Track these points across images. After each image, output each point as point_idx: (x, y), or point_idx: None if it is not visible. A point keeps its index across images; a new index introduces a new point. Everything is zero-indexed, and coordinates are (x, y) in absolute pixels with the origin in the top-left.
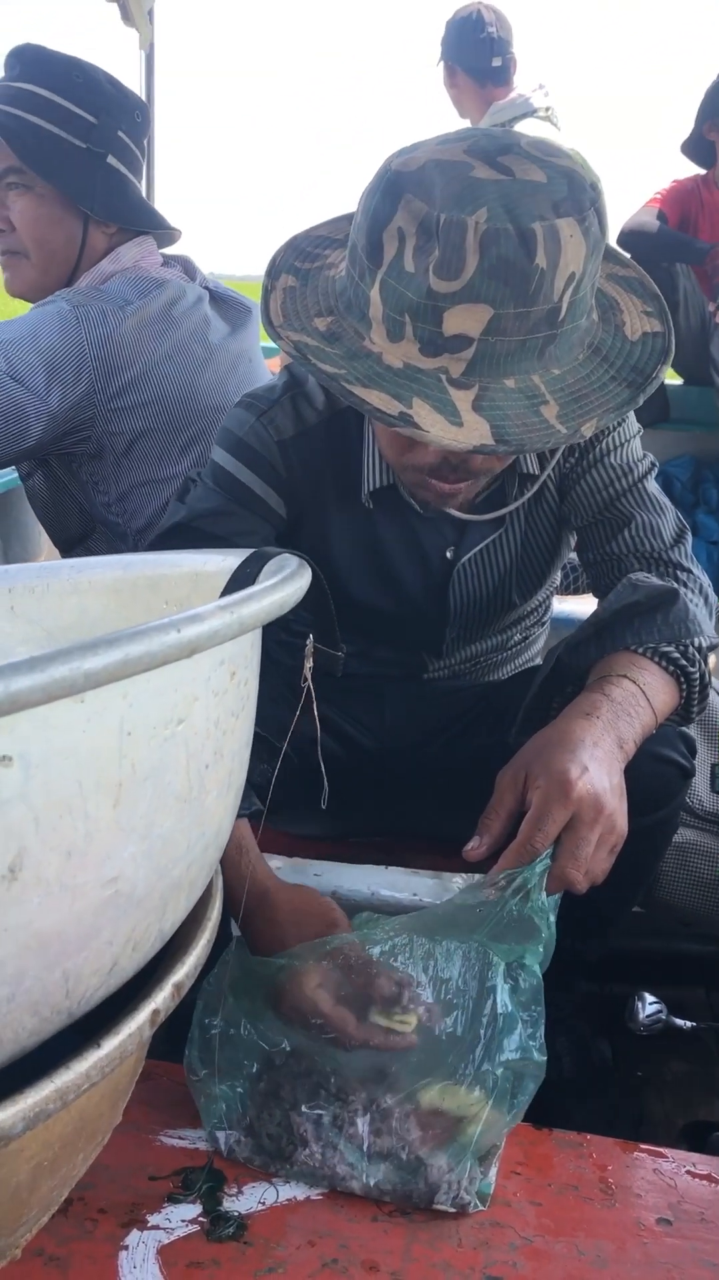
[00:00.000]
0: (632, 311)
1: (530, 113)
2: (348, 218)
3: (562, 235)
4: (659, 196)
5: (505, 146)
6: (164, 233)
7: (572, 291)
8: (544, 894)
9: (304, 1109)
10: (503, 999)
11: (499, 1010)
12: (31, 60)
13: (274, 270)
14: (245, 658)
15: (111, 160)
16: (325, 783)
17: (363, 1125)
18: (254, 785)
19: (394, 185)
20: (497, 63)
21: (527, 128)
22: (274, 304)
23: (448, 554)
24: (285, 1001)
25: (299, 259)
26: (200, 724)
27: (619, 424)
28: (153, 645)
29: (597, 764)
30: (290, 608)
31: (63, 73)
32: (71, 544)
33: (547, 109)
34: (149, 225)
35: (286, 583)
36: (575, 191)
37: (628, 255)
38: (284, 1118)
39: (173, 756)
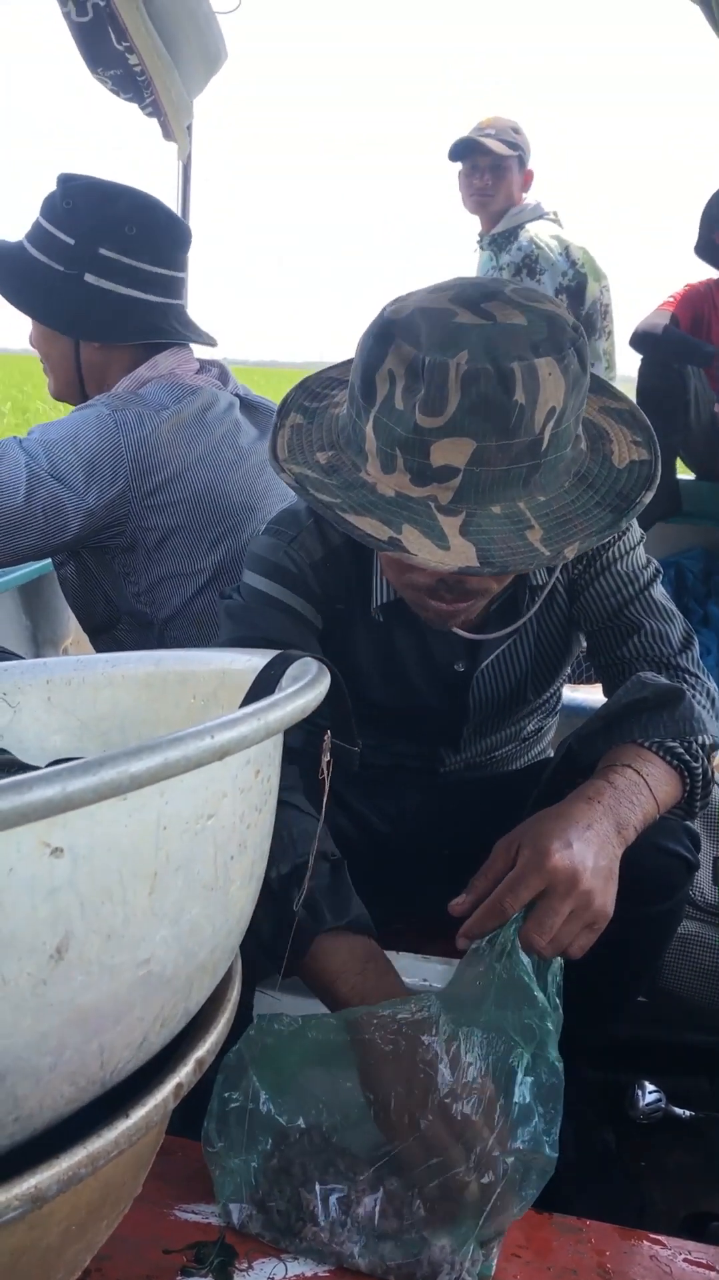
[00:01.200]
0: (621, 441)
1: (541, 215)
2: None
3: (540, 373)
4: (673, 299)
5: (490, 294)
6: (198, 338)
7: (553, 424)
8: (524, 955)
9: (314, 1186)
10: (522, 1091)
11: (517, 1100)
12: (53, 191)
13: (284, 409)
14: (268, 756)
15: (90, 278)
16: (312, 862)
17: (370, 1204)
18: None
19: (385, 331)
20: None
21: (537, 226)
22: (281, 440)
23: (457, 667)
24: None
25: (307, 398)
26: (227, 819)
27: (623, 533)
28: (189, 750)
29: (584, 843)
30: (311, 711)
31: (58, 200)
32: (99, 631)
33: (554, 211)
34: (140, 338)
35: (308, 689)
36: (555, 333)
37: (620, 390)
38: (294, 1194)
39: (202, 849)
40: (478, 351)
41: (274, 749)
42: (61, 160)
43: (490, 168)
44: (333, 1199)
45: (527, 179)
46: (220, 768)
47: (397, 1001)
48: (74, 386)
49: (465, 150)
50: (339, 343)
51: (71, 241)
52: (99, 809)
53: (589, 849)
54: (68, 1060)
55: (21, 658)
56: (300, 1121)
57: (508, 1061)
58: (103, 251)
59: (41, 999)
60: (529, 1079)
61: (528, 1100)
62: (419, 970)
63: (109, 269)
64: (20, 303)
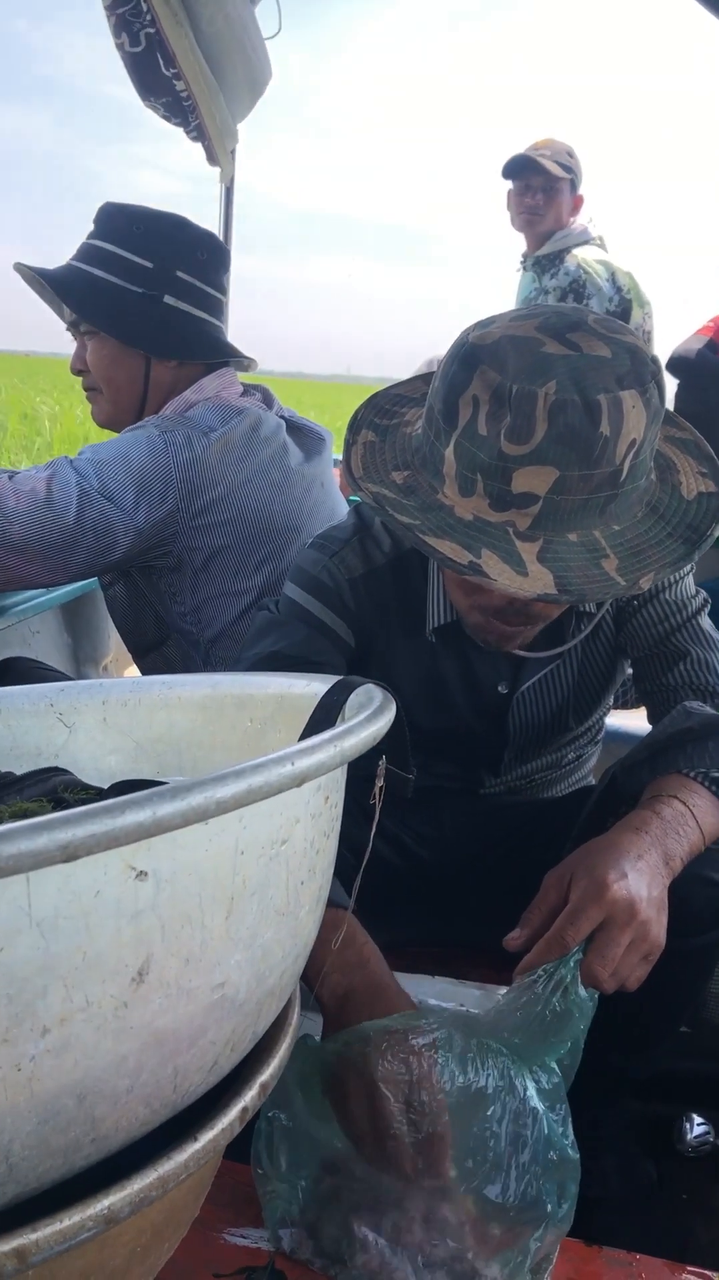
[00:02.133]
0: (688, 472)
1: (588, 240)
2: (424, 378)
3: (624, 406)
4: (711, 324)
5: (574, 324)
6: (240, 360)
7: (633, 456)
8: (582, 988)
9: (364, 1213)
10: (532, 1097)
11: (530, 1107)
12: (104, 218)
13: (355, 425)
14: (336, 783)
15: (169, 300)
16: (359, 880)
17: (419, 1232)
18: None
19: (471, 356)
20: None
21: (584, 251)
22: (355, 457)
23: (500, 688)
24: (344, 1100)
25: (378, 415)
26: (299, 844)
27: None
28: (270, 776)
29: (637, 873)
30: (381, 739)
31: (124, 225)
32: (147, 650)
33: (599, 236)
34: (211, 357)
35: (378, 716)
36: (638, 366)
37: (686, 421)
38: (344, 1220)
39: (276, 873)
40: (565, 382)
41: (341, 776)
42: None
43: (543, 188)
44: (383, 1227)
45: (577, 203)
46: (295, 794)
47: (409, 1015)
48: (134, 409)
49: (520, 168)
50: (363, 361)
51: (149, 265)
52: (182, 833)
53: (643, 879)
54: (144, 1083)
55: (65, 674)
56: (342, 1146)
57: (509, 1075)
58: (179, 274)
59: (123, 1021)
60: (533, 1084)
61: (538, 1107)
62: (455, 995)
63: (185, 291)
64: (105, 325)
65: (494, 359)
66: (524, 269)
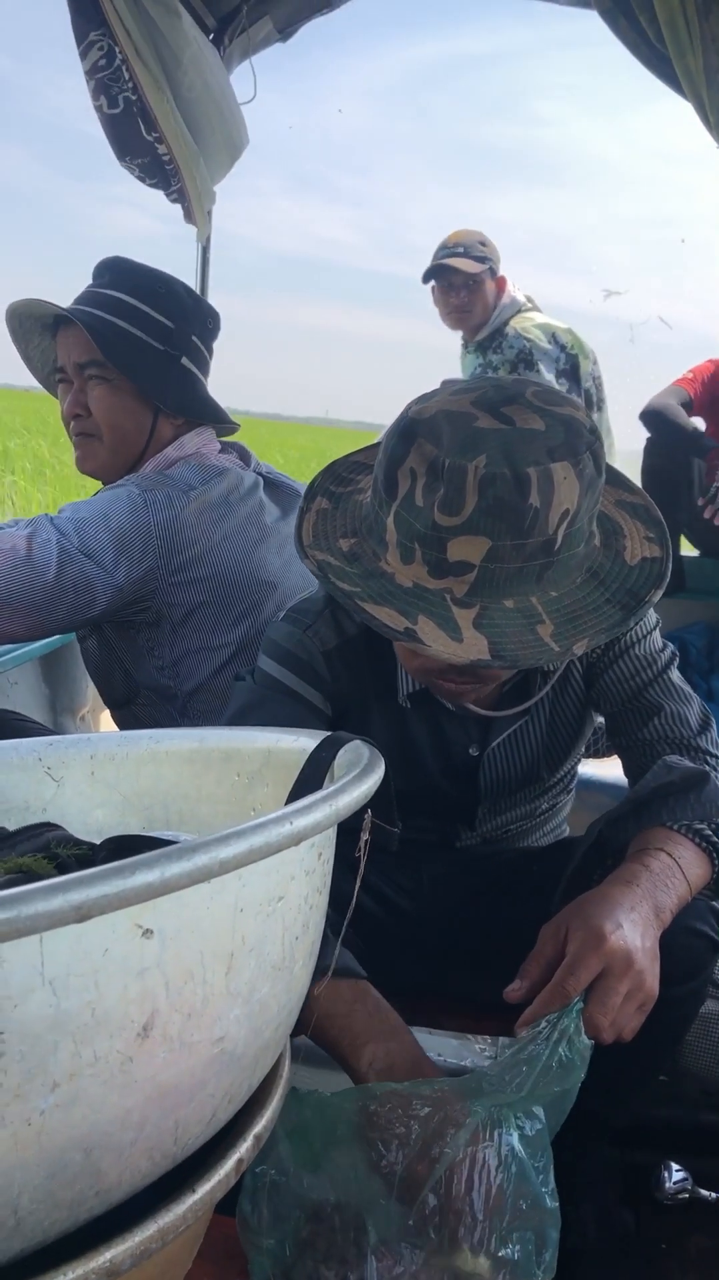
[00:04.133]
0: (634, 537)
1: (519, 308)
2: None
3: (556, 477)
4: (691, 375)
5: (510, 398)
6: (226, 426)
7: (567, 525)
8: (585, 1037)
9: (333, 1263)
10: (517, 1145)
11: (512, 1154)
12: (121, 271)
13: (311, 493)
14: (328, 838)
15: (185, 362)
16: (345, 926)
17: None
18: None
19: (409, 430)
20: None
21: (520, 320)
22: (306, 525)
23: (471, 750)
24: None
25: (334, 483)
26: (294, 900)
27: (639, 619)
28: (271, 836)
29: (632, 925)
30: (372, 795)
31: (147, 283)
32: (119, 704)
33: (528, 298)
34: (213, 419)
35: (369, 773)
36: (572, 437)
37: (636, 484)
38: (314, 1270)
39: (272, 929)
40: (496, 456)
41: (332, 832)
42: None
43: (464, 285)
44: (351, 1277)
45: (500, 285)
46: (292, 852)
47: (420, 1082)
48: (131, 460)
49: (437, 274)
50: (340, 405)
51: (171, 325)
52: (186, 892)
53: (637, 930)
54: (147, 1135)
55: (45, 726)
56: (331, 1197)
57: (496, 1120)
58: (194, 339)
59: (128, 1076)
60: (515, 1132)
61: (521, 1154)
62: (432, 1045)
63: (195, 354)
64: (130, 373)
65: (430, 433)
66: (468, 351)
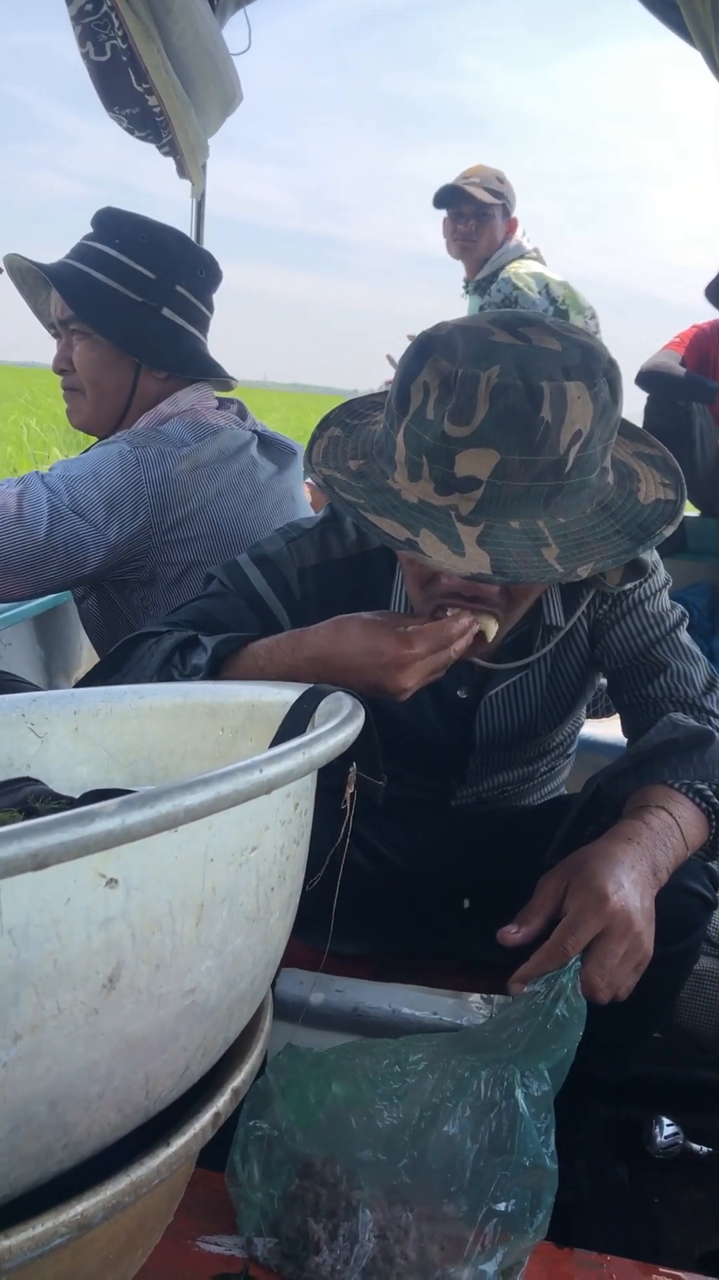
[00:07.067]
0: (649, 482)
1: (523, 254)
2: None
3: (569, 395)
4: (679, 340)
5: (529, 320)
6: (220, 379)
7: (578, 448)
8: (580, 997)
9: (322, 1217)
10: (522, 1104)
11: (517, 1112)
12: (105, 221)
13: (325, 423)
14: (306, 790)
15: (167, 313)
16: (321, 873)
17: (380, 1237)
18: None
19: (425, 346)
20: None
21: (518, 265)
22: (317, 448)
23: (459, 693)
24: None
25: (349, 416)
26: (269, 851)
27: (651, 573)
28: (239, 784)
29: (632, 884)
30: (350, 745)
31: (129, 232)
32: None
33: (535, 249)
34: (200, 373)
35: (347, 723)
36: (589, 361)
37: (655, 438)
38: (303, 1223)
39: (246, 880)
40: (509, 367)
41: (310, 783)
42: None
43: (474, 214)
44: (339, 1231)
45: (510, 227)
46: (264, 801)
47: (417, 1037)
48: (115, 416)
49: (449, 197)
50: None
51: (153, 276)
52: (151, 841)
53: (636, 890)
54: (116, 1088)
55: (37, 686)
56: (323, 1152)
57: (505, 1089)
58: (179, 289)
59: (93, 1028)
60: (522, 1090)
61: (525, 1112)
62: (428, 1003)
63: (182, 306)
64: (103, 328)
65: (445, 348)
66: (468, 293)
